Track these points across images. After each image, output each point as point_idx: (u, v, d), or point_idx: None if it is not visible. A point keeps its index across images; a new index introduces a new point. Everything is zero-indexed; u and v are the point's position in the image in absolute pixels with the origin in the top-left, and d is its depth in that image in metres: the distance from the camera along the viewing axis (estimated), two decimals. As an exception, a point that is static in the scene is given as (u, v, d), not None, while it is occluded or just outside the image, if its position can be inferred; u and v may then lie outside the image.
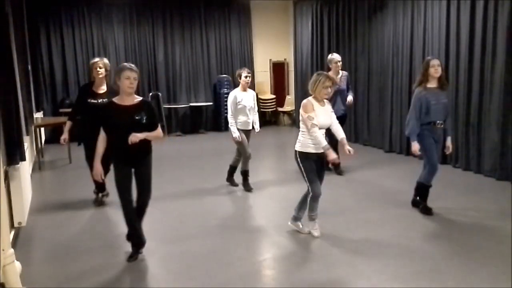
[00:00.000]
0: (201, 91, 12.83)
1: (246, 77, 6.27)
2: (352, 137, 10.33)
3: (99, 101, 5.44)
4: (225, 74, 12.80)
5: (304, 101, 4.46)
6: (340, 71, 7.14)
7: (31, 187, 6.25)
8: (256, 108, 6.57)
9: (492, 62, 6.61)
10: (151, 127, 4.02)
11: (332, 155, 4.32)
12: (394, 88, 8.84)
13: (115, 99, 4.03)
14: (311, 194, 4.52)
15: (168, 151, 9.30)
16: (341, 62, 7.14)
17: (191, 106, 12.34)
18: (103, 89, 5.57)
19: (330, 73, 6.72)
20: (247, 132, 6.38)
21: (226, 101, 13.01)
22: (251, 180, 6.50)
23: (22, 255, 4.14)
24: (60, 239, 4.80)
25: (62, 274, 3.97)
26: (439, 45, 7.60)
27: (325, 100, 4.51)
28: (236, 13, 13.11)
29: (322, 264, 4.03)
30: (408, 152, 8.50)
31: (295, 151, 4.52)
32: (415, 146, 5.06)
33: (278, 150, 9.81)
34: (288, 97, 13.72)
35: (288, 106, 13.44)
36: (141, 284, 3.82)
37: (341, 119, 6.41)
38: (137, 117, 3.93)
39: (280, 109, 13.70)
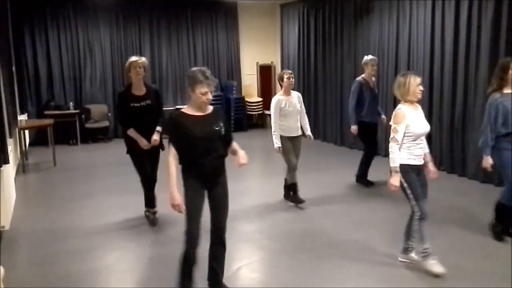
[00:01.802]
0: (188, 94, 12.73)
1: (288, 78, 5.76)
2: (339, 141, 10.39)
3: (142, 103, 5.04)
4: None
5: (397, 110, 3.91)
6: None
7: (14, 190, 6.18)
8: (304, 110, 6.07)
9: (476, 66, 6.69)
10: (227, 139, 3.50)
11: (395, 180, 3.80)
12: (379, 92, 8.89)
13: (185, 110, 3.46)
14: (418, 214, 3.86)
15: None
16: (377, 65, 6.75)
17: (177, 108, 12.28)
18: (143, 90, 5.09)
19: (365, 75, 6.62)
20: (294, 139, 5.85)
21: (213, 103, 12.97)
22: (239, 185, 6.34)
23: (5, 259, 4.08)
24: (44, 242, 4.75)
25: (46, 278, 3.92)
26: (424, 49, 7.69)
27: (417, 104, 3.98)
28: (223, 16, 13.12)
29: (308, 266, 4.04)
30: (387, 153, 8.53)
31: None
32: (487, 161, 4.37)
33: (263, 153, 9.81)
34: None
35: (275, 109, 13.46)
36: (121, 284, 3.79)
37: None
38: (216, 128, 3.38)
39: (267, 112, 13.69)
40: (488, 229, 4.65)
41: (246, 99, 13.23)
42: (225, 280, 3.69)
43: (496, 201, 4.58)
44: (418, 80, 3.85)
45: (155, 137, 5.10)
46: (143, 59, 5.12)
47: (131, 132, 5.09)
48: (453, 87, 7.14)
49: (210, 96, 3.37)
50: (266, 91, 13.77)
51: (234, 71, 13.41)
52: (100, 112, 11.64)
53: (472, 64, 6.76)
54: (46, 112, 10.80)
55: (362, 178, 6.83)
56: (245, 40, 13.48)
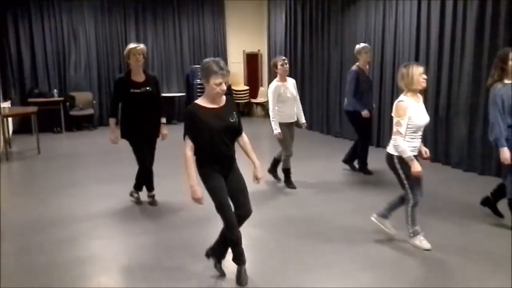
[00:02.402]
0: (173, 82, 12.73)
1: (282, 65, 5.80)
2: (324, 129, 10.43)
3: (142, 90, 5.06)
4: (198, 65, 12.71)
5: (398, 102, 3.94)
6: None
7: (-2, 179, 6.12)
8: (298, 97, 6.12)
9: (461, 56, 6.74)
10: (239, 129, 3.56)
11: (416, 167, 3.86)
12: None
13: (200, 102, 3.41)
14: (411, 201, 4.03)
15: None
16: (371, 53, 6.71)
17: (163, 96, 12.17)
18: (142, 77, 5.11)
19: (360, 64, 6.55)
20: (291, 125, 5.98)
21: (199, 91, 12.88)
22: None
23: (-11, 248, 4.06)
24: (29, 231, 4.71)
25: (31, 267, 3.90)
26: (409, 40, 7.72)
27: (419, 95, 4.02)
28: (210, 4, 13.03)
29: (295, 253, 4.07)
30: (378, 144, 8.65)
31: (391, 155, 4.00)
32: (505, 153, 4.15)
33: (250, 140, 9.83)
34: (261, 88, 13.73)
35: (262, 97, 13.45)
36: (106, 273, 3.80)
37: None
38: (232, 120, 3.41)
39: (253, 100, 13.70)
40: None
41: (233, 87, 13.20)
42: (210, 267, 3.73)
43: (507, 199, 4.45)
44: (421, 69, 3.88)
45: (165, 131, 5.28)
46: (142, 45, 5.12)
47: (111, 122, 5.20)
48: (438, 77, 7.20)
49: (224, 87, 3.34)
50: (253, 80, 13.76)
51: (220, 59, 13.30)
52: (85, 99, 11.54)
53: (457, 55, 6.81)
54: (30, 100, 10.69)
55: (348, 162, 6.94)
56: (231, 28, 13.42)
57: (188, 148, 3.34)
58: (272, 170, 6.42)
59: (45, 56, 11.37)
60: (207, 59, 3.42)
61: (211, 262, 3.73)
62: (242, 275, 3.56)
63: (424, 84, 3.92)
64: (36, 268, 3.88)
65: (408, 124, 3.88)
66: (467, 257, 3.93)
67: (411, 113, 3.86)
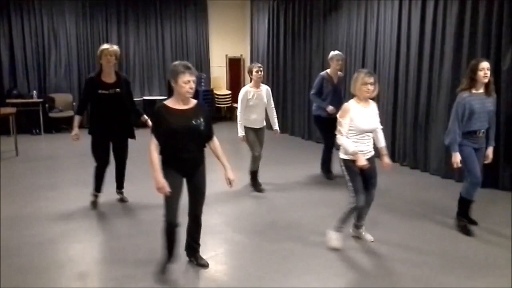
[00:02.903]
0: (155, 85, 12.67)
1: (257, 71, 5.92)
2: (306, 135, 10.49)
3: (110, 91, 5.13)
4: (180, 68, 12.68)
5: (344, 104, 4.18)
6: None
7: (-26, 180, 6.01)
8: (273, 104, 6.27)
9: (440, 63, 6.86)
10: (208, 135, 3.69)
11: (362, 161, 4.00)
12: (346, 87, 9.01)
13: (167, 102, 3.56)
14: (353, 204, 4.15)
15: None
16: (342, 61, 6.82)
17: (144, 99, 12.12)
18: (112, 78, 5.18)
19: (329, 71, 6.72)
20: (258, 131, 6.09)
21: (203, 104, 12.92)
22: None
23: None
24: (5, 235, 4.63)
25: (8, 271, 3.84)
26: (390, 46, 7.83)
27: (371, 101, 4.20)
28: (193, 7, 13.01)
29: (273, 258, 4.09)
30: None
31: (339, 158, 4.20)
32: (456, 157, 4.49)
33: (230, 145, 9.81)
34: (243, 93, 13.72)
35: (243, 102, 13.46)
36: (85, 277, 3.76)
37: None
38: (195, 122, 3.53)
39: (235, 105, 13.62)
40: (455, 225, 4.79)
41: (215, 91, 13.20)
42: (191, 272, 3.72)
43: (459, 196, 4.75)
44: (367, 79, 4.01)
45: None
46: (115, 47, 5.20)
47: (76, 119, 5.31)
48: (418, 84, 7.31)
49: (193, 85, 3.48)
50: (235, 84, 13.76)
51: (203, 63, 13.34)
52: (64, 101, 11.41)
53: (437, 62, 6.92)
54: (8, 101, 10.51)
55: (324, 170, 6.95)
56: (214, 32, 13.42)
57: (153, 145, 3.49)
58: (253, 183, 6.33)
59: (25, 57, 11.21)
60: (174, 62, 3.59)
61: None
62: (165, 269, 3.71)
63: (366, 95, 4.07)
64: (14, 271, 3.82)
65: (350, 127, 4.05)
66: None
67: (353, 116, 4.03)
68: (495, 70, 6.09)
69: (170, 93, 3.65)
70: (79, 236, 4.65)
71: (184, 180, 3.65)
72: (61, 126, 11.31)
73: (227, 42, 13.55)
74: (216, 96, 13.16)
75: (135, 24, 12.36)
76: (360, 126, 4.04)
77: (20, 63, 11.16)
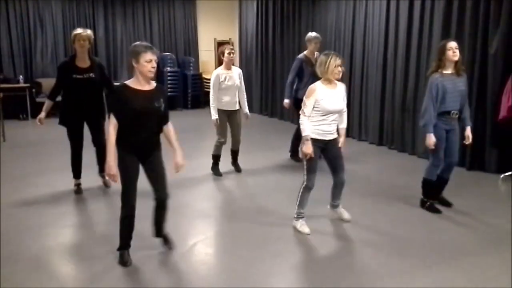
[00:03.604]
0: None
1: (229, 53, 5.90)
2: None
3: (85, 75, 5.11)
4: (168, 52, 12.59)
5: (310, 86, 4.21)
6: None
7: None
8: (244, 87, 6.21)
9: (429, 47, 6.88)
10: (165, 118, 3.65)
11: (308, 148, 4.08)
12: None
13: (128, 83, 3.49)
14: (305, 183, 4.25)
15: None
16: (320, 42, 6.76)
17: (133, 84, 12.02)
18: (87, 62, 5.16)
19: (306, 53, 6.73)
20: (233, 113, 6.07)
21: (170, 79, 12.78)
22: (192, 162, 6.43)
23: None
24: (-6, 220, 4.63)
25: (-4, 256, 3.85)
26: (379, 30, 7.83)
27: (338, 82, 4.24)
28: (181, -10, 12.87)
29: (262, 241, 4.13)
30: (347, 133, 8.75)
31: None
32: (431, 139, 4.55)
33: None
34: (232, 77, 13.67)
35: (232, 86, 13.43)
36: (74, 262, 3.78)
37: None
38: (156, 104, 3.49)
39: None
40: (420, 205, 4.93)
41: (204, 75, 13.13)
42: (180, 255, 3.77)
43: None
44: (339, 61, 4.08)
45: None
46: (89, 31, 5.20)
47: (46, 103, 5.40)
48: (406, 68, 7.34)
49: (154, 65, 3.43)
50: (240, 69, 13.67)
51: (191, 47, 13.25)
52: (51, 86, 11.13)
53: (425, 45, 6.95)
54: (-6, 86, 10.37)
55: (294, 154, 6.94)
56: (202, 16, 13.31)
57: (112, 126, 3.42)
58: (234, 163, 6.42)
59: (10, 41, 11.03)
60: (135, 43, 3.57)
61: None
62: (124, 257, 3.67)
63: (337, 76, 4.13)
64: (4, 258, 3.82)
65: (316, 107, 4.11)
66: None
67: (319, 97, 4.08)
68: (482, 55, 6.16)
69: (158, 77, 3.62)
70: (67, 221, 4.65)
71: (140, 166, 3.60)
72: (49, 111, 11.18)
73: (215, 26, 13.45)
74: (205, 80, 13.09)
75: (122, 8, 12.20)
76: (326, 107, 4.09)
77: (6, 48, 10.99)
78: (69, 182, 5.74)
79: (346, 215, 4.56)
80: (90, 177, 5.68)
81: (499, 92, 5.95)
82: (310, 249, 4.04)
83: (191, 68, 12.75)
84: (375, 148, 7.89)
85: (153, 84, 3.57)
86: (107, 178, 3.47)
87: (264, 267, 3.67)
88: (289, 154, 7.04)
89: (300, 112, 4.20)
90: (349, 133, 8.71)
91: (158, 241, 3.91)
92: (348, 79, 8.58)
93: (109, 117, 3.46)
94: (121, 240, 3.67)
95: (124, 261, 3.64)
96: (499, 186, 5.72)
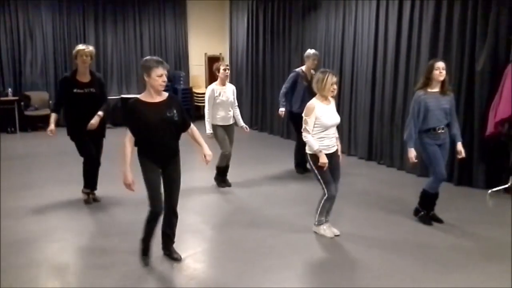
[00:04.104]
0: (133, 83, 12.56)
1: (224, 69, 6.12)
2: (285, 133, 10.53)
3: (85, 90, 5.22)
4: (159, 66, 12.59)
5: (308, 103, 4.41)
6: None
7: None
8: (236, 103, 6.39)
9: (416, 64, 6.97)
10: (183, 124, 3.83)
11: (323, 159, 4.26)
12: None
13: (141, 96, 3.73)
14: (326, 195, 4.42)
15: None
16: (317, 60, 6.98)
17: (122, 97, 11.99)
18: (87, 77, 5.28)
19: (304, 68, 6.97)
20: (228, 128, 6.20)
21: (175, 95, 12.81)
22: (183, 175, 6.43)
23: None
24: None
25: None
26: (368, 46, 7.92)
27: (330, 98, 4.46)
28: (171, 5, 12.95)
29: (251, 257, 4.12)
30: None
31: (306, 153, 4.45)
32: (411, 153, 4.76)
33: (209, 143, 9.85)
34: (222, 91, 13.71)
35: (223, 100, 13.46)
36: (62, 277, 3.73)
37: None
38: (168, 114, 3.67)
39: (214, 103, 13.65)
40: (413, 214, 5.04)
41: (194, 90, 13.16)
42: (169, 270, 3.74)
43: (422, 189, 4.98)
44: (334, 79, 4.33)
45: (93, 121, 5.22)
46: (91, 48, 5.32)
47: (52, 117, 5.37)
48: (395, 83, 7.41)
49: (165, 79, 3.62)
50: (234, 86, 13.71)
51: (182, 61, 13.29)
52: (40, 99, 11.23)
53: (413, 62, 7.04)
54: (-18, 99, 10.32)
55: (297, 166, 7.08)
56: (193, 30, 13.38)
57: (127, 138, 3.65)
58: (219, 181, 6.39)
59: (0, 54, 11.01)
60: (145, 58, 3.76)
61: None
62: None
63: (333, 93, 4.38)
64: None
65: (316, 124, 4.31)
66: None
67: (318, 114, 4.29)
68: (469, 71, 6.25)
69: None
70: (56, 235, 4.60)
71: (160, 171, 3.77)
72: (37, 124, 11.12)
73: (206, 41, 13.51)
74: (195, 95, 13.11)
75: (113, 21, 12.23)
76: (326, 122, 4.30)
77: (-5, 60, 10.96)
78: (58, 195, 5.71)
79: (334, 230, 4.59)
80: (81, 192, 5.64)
81: (486, 108, 6.03)
82: (302, 262, 4.03)
83: (181, 82, 12.77)
84: (364, 163, 7.93)
85: (165, 95, 3.76)
86: (126, 188, 3.66)
87: (253, 281, 3.65)
88: (293, 166, 7.19)
89: (303, 131, 4.37)
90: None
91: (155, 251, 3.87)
92: (337, 94, 8.63)
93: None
94: (142, 243, 3.86)
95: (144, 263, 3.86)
96: (487, 201, 5.78)
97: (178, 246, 4.31)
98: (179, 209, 3.94)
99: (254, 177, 6.82)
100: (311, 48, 7.32)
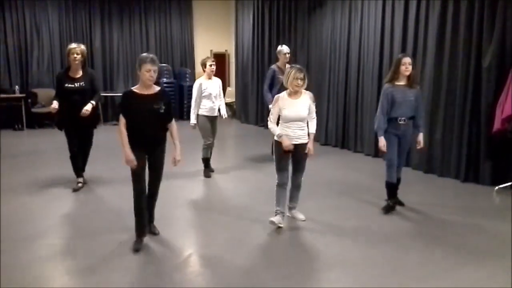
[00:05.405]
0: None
1: (210, 65, 6.60)
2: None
3: (76, 84, 5.68)
4: (164, 63, 12.63)
5: (276, 95, 4.67)
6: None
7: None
8: (223, 95, 6.90)
9: (423, 61, 6.95)
10: (168, 117, 4.20)
11: (285, 142, 4.47)
12: (331, 83, 9.10)
13: (134, 88, 4.11)
14: (276, 181, 4.67)
15: (105, 140, 9.08)
16: (289, 54, 7.37)
17: (129, 95, 12.03)
18: (79, 73, 5.75)
19: (279, 64, 7.33)
20: (213, 119, 6.66)
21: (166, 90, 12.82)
22: (186, 169, 6.65)
23: None
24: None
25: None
26: (374, 43, 7.90)
27: (305, 92, 4.61)
28: (177, 2, 12.97)
29: (256, 253, 4.13)
30: (343, 145, 8.84)
31: (273, 141, 4.72)
32: (382, 142, 5.04)
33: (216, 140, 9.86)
34: (228, 88, 13.74)
35: (229, 97, 13.47)
36: (72, 271, 3.76)
37: None
38: (155, 106, 4.05)
39: (220, 100, 13.67)
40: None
41: (200, 87, 13.15)
42: (176, 265, 3.77)
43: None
44: (298, 75, 4.46)
45: (87, 107, 5.66)
46: (82, 46, 5.80)
47: (54, 101, 5.75)
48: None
49: (153, 74, 4.00)
50: (220, 79, 13.73)
51: (187, 58, 13.31)
52: (47, 96, 11.23)
53: (419, 60, 7.00)
54: (-12, 95, 10.38)
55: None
56: (199, 27, 13.40)
57: (122, 124, 4.06)
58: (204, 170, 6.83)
59: (6, 51, 11.06)
60: (142, 54, 4.14)
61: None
62: (138, 245, 4.14)
63: (296, 88, 4.50)
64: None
65: (280, 114, 4.56)
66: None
67: (281, 106, 4.53)
68: (476, 68, 6.22)
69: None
70: (62, 232, 4.63)
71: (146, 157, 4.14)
72: (44, 121, 11.19)
73: (212, 38, 13.53)
74: (201, 92, 13.11)
75: (119, 19, 12.27)
76: (287, 115, 4.51)
77: (1, 58, 11.02)
78: (64, 193, 5.72)
79: (301, 216, 4.89)
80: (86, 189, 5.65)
81: (493, 105, 6.00)
82: (305, 256, 4.03)
83: (187, 79, 12.80)
84: (370, 160, 7.91)
85: (156, 88, 4.15)
86: (127, 164, 4.02)
87: (259, 277, 3.66)
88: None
89: (268, 119, 4.65)
90: (344, 144, 8.79)
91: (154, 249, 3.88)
92: (343, 91, 8.66)
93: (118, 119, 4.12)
94: (136, 221, 4.17)
95: (135, 248, 4.11)
96: (494, 198, 5.76)
97: (184, 241, 4.33)
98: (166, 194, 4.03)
99: (254, 172, 6.83)
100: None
